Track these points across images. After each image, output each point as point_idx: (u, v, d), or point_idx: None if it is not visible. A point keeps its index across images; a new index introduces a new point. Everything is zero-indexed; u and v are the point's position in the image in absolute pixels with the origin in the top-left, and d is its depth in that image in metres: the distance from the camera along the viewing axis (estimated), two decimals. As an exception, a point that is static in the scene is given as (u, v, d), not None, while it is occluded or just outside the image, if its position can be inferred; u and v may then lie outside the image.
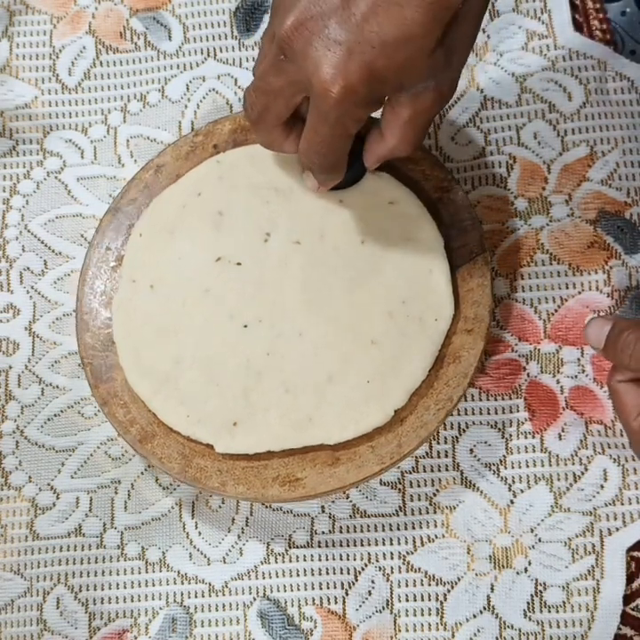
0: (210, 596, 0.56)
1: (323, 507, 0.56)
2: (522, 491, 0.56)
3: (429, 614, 0.54)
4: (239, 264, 0.58)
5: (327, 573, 0.55)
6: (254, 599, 0.56)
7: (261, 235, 0.58)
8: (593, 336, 0.52)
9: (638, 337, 0.49)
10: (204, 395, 0.55)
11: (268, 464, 0.54)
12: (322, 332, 0.56)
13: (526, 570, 0.54)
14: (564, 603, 0.54)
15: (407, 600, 0.55)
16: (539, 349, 0.58)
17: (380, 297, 0.56)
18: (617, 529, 0.54)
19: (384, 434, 0.54)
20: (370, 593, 0.55)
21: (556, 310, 0.58)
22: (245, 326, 0.56)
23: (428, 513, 0.56)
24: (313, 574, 0.56)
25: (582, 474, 0.56)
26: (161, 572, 0.56)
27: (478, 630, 0.54)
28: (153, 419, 0.56)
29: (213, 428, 0.55)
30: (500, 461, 0.56)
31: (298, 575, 0.56)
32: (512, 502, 0.55)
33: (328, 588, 0.55)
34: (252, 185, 0.59)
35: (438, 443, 0.57)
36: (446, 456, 0.57)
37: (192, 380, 0.56)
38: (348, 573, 0.55)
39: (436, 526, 0.55)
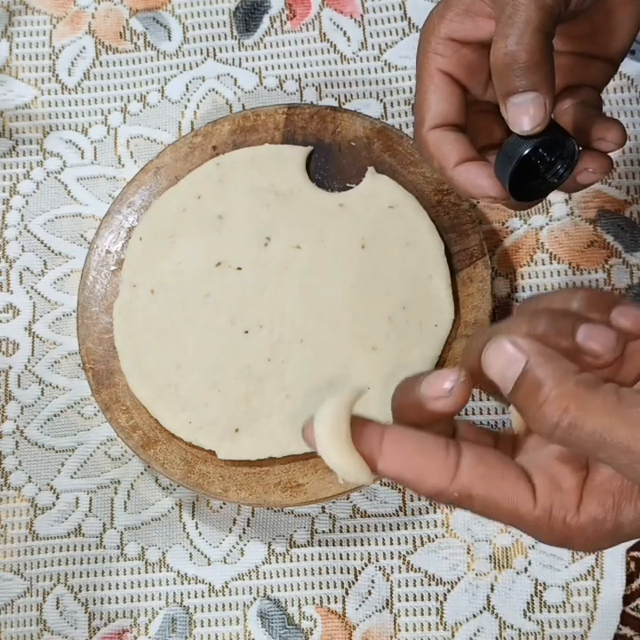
0: (210, 596, 0.56)
1: (323, 507, 0.56)
2: (522, 490, 0.55)
3: (429, 614, 0.54)
4: (239, 269, 0.58)
5: (327, 573, 0.55)
6: (254, 599, 0.55)
7: (262, 239, 0.58)
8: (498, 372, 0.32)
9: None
10: (205, 400, 0.55)
11: (270, 470, 0.55)
12: (322, 337, 0.56)
13: (526, 570, 0.54)
14: (563, 603, 0.54)
15: (407, 600, 0.55)
16: (539, 349, 0.58)
17: (381, 302, 0.56)
18: (617, 529, 0.54)
19: (386, 439, 0.54)
20: (370, 592, 0.55)
21: (556, 310, 0.58)
22: (246, 332, 0.56)
23: (427, 513, 0.56)
24: (313, 574, 0.56)
25: (582, 474, 0.55)
26: (161, 572, 0.56)
27: (478, 630, 0.54)
28: (155, 424, 0.56)
29: (215, 435, 0.55)
30: (500, 461, 0.56)
31: (298, 575, 0.56)
32: (512, 502, 0.55)
33: (328, 587, 0.55)
34: (252, 188, 0.59)
35: (438, 442, 0.57)
36: (446, 456, 0.56)
37: (193, 385, 0.56)
38: (349, 573, 0.55)
39: (435, 526, 0.55)
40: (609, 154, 0.44)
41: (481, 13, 0.42)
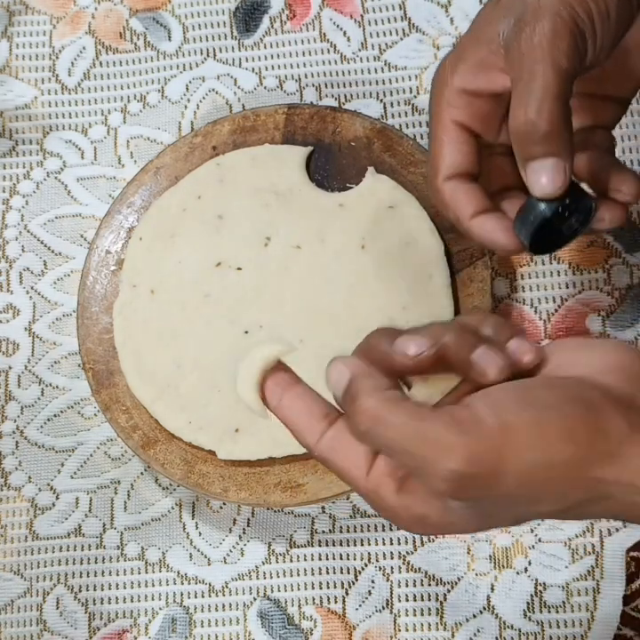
0: (210, 596, 0.56)
1: (323, 507, 0.56)
2: (522, 490, 0.55)
3: (429, 614, 0.54)
4: (239, 269, 0.58)
5: (327, 573, 0.55)
6: (254, 599, 0.56)
7: (261, 239, 0.58)
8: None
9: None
10: (205, 400, 0.55)
11: (270, 470, 0.55)
12: (322, 337, 0.55)
13: (526, 570, 0.54)
14: (563, 603, 0.54)
15: (407, 600, 0.55)
16: (539, 349, 0.58)
17: (381, 303, 0.56)
18: (617, 529, 0.54)
19: (386, 439, 0.54)
20: (370, 593, 0.55)
21: (556, 310, 0.58)
22: (246, 332, 0.56)
23: (427, 513, 0.56)
24: (313, 574, 0.56)
25: (582, 474, 0.55)
26: (161, 572, 0.56)
27: (478, 630, 0.54)
28: (155, 425, 0.56)
29: (215, 435, 0.55)
30: (500, 461, 0.56)
31: (298, 575, 0.56)
32: (512, 502, 0.55)
33: (328, 587, 0.55)
34: (252, 188, 0.59)
35: (438, 443, 0.57)
36: (446, 456, 0.56)
37: (193, 385, 0.56)
38: (349, 573, 0.55)
39: (435, 526, 0.55)
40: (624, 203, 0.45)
41: (494, 67, 0.42)
